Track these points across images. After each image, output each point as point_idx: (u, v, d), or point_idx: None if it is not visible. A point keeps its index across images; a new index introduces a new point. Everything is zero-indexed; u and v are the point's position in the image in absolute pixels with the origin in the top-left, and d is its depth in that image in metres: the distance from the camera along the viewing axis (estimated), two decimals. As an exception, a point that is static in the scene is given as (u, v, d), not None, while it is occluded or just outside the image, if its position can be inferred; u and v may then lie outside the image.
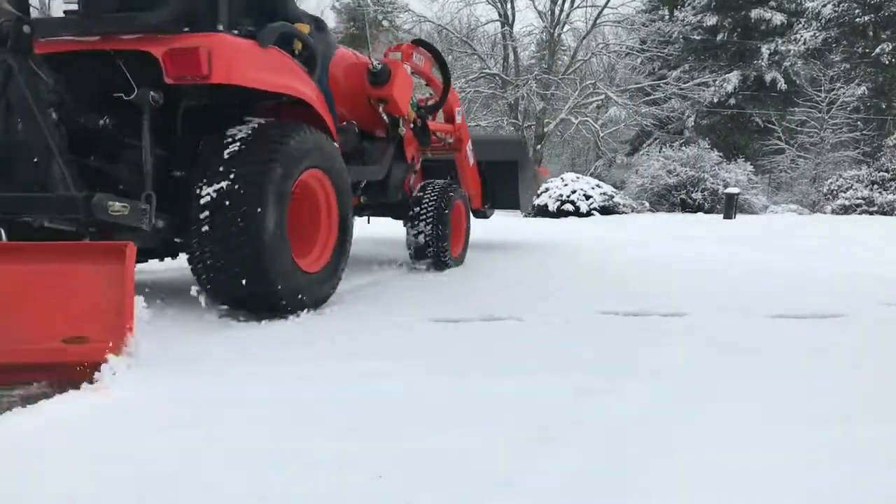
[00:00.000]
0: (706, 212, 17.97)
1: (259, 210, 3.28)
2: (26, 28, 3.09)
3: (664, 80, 27.05)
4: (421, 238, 5.24)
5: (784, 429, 2.07)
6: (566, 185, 16.25)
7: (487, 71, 26.92)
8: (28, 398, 2.23)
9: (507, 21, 27.27)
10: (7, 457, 1.79)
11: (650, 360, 2.81)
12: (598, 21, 26.56)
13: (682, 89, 26.27)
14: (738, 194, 16.05)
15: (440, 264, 5.32)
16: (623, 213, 16.22)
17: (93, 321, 2.46)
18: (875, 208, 18.58)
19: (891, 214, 18.13)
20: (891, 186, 19.31)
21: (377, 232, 6.63)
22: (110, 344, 2.40)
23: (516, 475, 1.71)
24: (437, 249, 5.27)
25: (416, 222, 5.25)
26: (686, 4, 29.34)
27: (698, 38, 28.94)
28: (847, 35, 27.58)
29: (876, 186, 19.32)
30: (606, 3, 25.83)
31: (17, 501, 1.57)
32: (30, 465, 1.74)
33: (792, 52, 27.35)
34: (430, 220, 5.22)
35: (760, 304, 4.12)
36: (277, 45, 3.63)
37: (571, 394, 2.33)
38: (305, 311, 3.56)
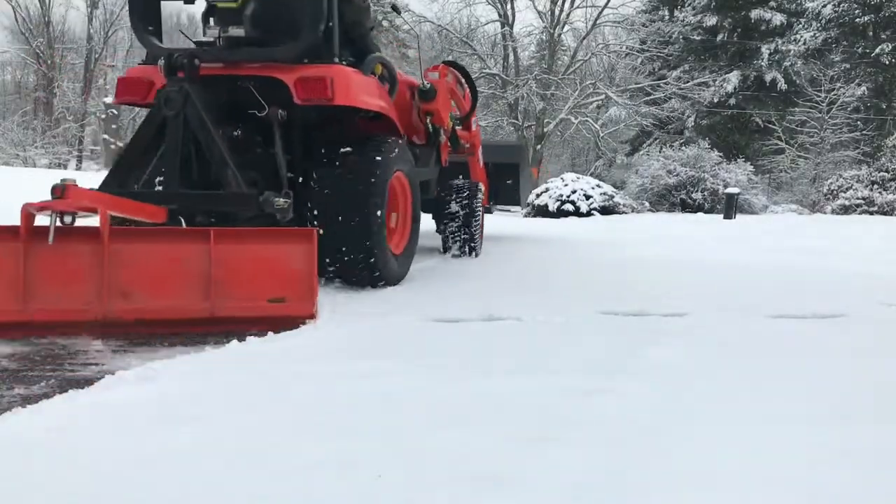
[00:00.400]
0: (706, 212, 17.95)
1: (367, 204, 4.16)
2: (196, 61, 3.97)
3: (664, 80, 27.05)
4: (457, 229, 6.00)
5: (784, 429, 2.07)
6: (566, 185, 16.24)
7: (487, 71, 26.92)
8: (28, 398, 2.23)
9: (507, 21, 27.28)
10: (7, 457, 1.79)
11: (650, 360, 2.81)
12: (598, 21, 26.59)
13: (682, 89, 26.27)
14: (738, 194, 16.03)
15: (472, 251, 6.04)
16: (623, 213, 16.21)
17: (289, 286, 3.41)
18: (875, 208, 18.57)
19: (891, 214, 18.12)
20: (891, 186, 19.30)
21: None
22: (303, 306, 3.37)
23: (516, 475, 1.72)
24: (471, 238, 6.03)
25: (452, 216, 5.98)
26: (686, 4, 29.34)
27: (698, 38, 28.94)
28: (847, 35, 27.59)
29: (876, 186, 19.31)
30: (606, 4, 25.85)
31: (18, 501, 1.57)
32: (30, 465, 1.74)
33: (792, 52, 27.35)
34: (466, 214, 5.98)
35: (760, 304, 4.12)
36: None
37: (571, 394, 2.33)
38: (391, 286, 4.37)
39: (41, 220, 3.22)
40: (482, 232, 6.49)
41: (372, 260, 4.17)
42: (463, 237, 5.98)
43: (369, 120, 4.62)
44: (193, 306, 3.28)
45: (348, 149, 4.29)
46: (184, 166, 3.85)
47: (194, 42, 4.53)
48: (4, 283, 3.14)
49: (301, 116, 4.31)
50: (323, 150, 4.37)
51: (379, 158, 4.29)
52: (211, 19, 4.52)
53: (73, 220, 3.25)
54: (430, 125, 5.54)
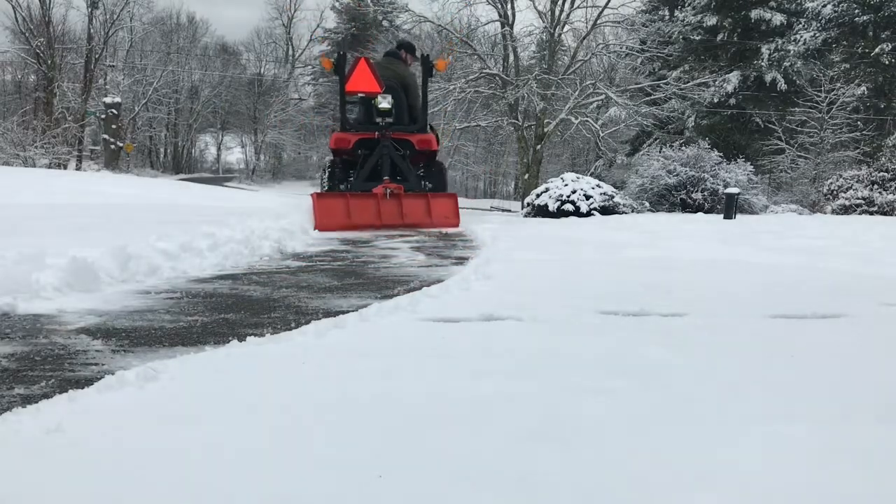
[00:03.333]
0: (706, 212, 17.93)
1: (444, 183, 10.10)
2: (388, 132, 9.31)
3: (664, 81, 27.07)
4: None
5: (785, 429, 2.07)
6: (566, 185, 16.25)
7: (487, 71, 26.92)
8: (28, 398, 2.23)
9: (507, 21, 27.30)
10: (7, 457, 1.79)
11: (650, 360, 2.82)
12: (598, 21, 26.60)
13: (682, 89, 26.28)
14: (738, 194, 16.00)
15: None
16: (623, 213, 16.20)
17: (450, 213, 9.03)
18: (875, 208, 18.58)
19: (891, 214, 18.13)
20: (891, 186, 19.31)
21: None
22: (456, 221, 8.97)
23: (516, 475, 1.72)
24: None
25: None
26: (686, 4, 29.39)
27: (698, 38, 28.96)
28: (847, 35, 27.61)
29: (876, 186, 19.32)
30: (607, 4, 25.88)
31: (17, 502, 1.57)
32: (29, 465, 1.74)
33: (792, 52, 27.37)
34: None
35: (761, 303, 4.12)
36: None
37: (571, 393, 2.33)
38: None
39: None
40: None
41: (455, 205, 9.46)
42: None
43: (424, 154, 9.90)
44: (424, 221, 8.67)
45: (434, 167, 10.18)
46: (390, 172, 9.18)
47: (361, 127, 9.63)
48: (373, 213, 8.45)
49: (413, 153, 9.59)
50: (423, 165, 9.97)
51: (445, 168, 10.69)
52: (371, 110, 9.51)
53: (387, 189, 8.65)
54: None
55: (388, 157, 9.07)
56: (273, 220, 7.21)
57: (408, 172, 9.28)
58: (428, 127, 10.04)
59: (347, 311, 3.68)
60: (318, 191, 9.65)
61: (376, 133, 9.18)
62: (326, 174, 10.08)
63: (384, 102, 9.07)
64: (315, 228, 7.94)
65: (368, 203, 8.53)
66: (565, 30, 27.51)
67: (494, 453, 1.85)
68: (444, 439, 1.94)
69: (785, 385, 2.53)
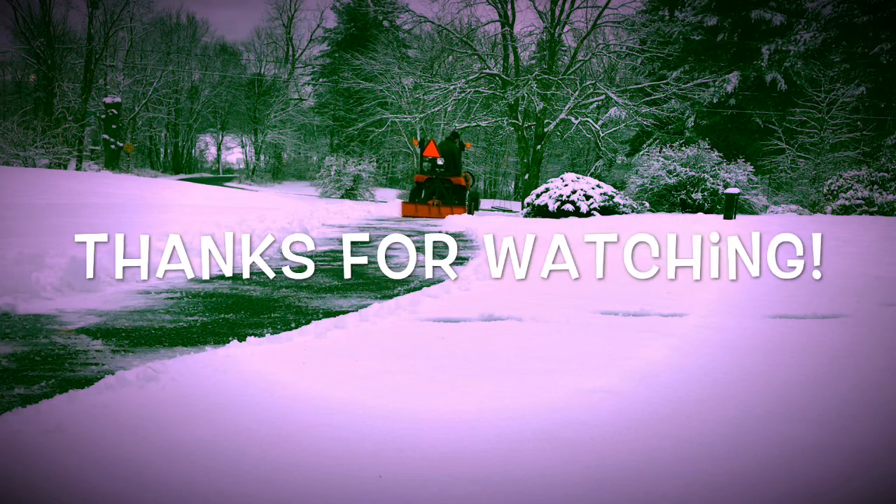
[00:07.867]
0: (706, 212, 17.94)
1: (465, 199, 18.49)
2: (439, 177, 18.13)
3: (664, 81, 27.05)
4: (470, 203, 18.12)
5: (786, 428, 2.07)
6: (566, 185, 16.26)
7: (487, 71, 26.91)
8: (28, 398, 2.22)
9: (507, 21, 27.28)
10: (6, 457, 1.79)
11: (650, 360, 2.81)
12: (598, 22, 26.58)
13: (682, 90, 26.25)
14: (738, 195, 16.00)
15: (474, 211, 18.33)
16: (623, 213, 16.21)
17: (460, 213, 16.69)
18: (875, 209, 18.56)
19: (891, 215, 18.11)
20: (891, 187, 19.29)
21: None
22: (447, 217, 16.06)
23: (517, 476, 1.72)
24: (475, 208, 18.91)
25: (472, 199, 19.00)
26: (686, 5, 29.39)
27: (698, 38, 28.97)
28: (847, 35, 27.60)
29: (876, 187, 19.29)
30: (607, 4, 25.86)
31: (17, 502, 1.57)
32: (29, 466, 1.74)
33: (792, 52, 27.37)
34: (474, 199, 19.06)
35: (760, 304, 4.12)
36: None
37: (571, 394, 2.33)
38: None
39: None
40: (478, 206, 20.53)
41: (466, 210, 17.12)
42: (472, 208, 17.57)
43: (461, 186, 17.84)
44: (448, 216, 15.43)
45: (462, 192, 17.99)
46: (438, 194, 17.38)
47: (428, 172, 18.11)
48: (426, 211, 16.90)
49: (450, 186, 17.71)
50: (455, 191, 17.83)
51: (468, 191, 18.26)
52: (432, 163, 18.21)
53: (434, 202, 17.18)
54: (467, 182, 18.38)
55: (438, 188, 17.52)
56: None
57: (447, 196, 17.52)
58: (463, 174, 18.40)
59: (348, 311, 3.69)
60: (405, 199, 19.39)
61: (434, 176, 17.86)
62: (410, 192, 18.81)
63: (440, 161, 17.80)
64: (402, 216, 16.50)
65: (424, 207, 16.92)
66: (565, 30, 27.51)
67: (492, 454, 1.84)
68: (442, 440, 1.93)
69: (785, 385, 2.53)
